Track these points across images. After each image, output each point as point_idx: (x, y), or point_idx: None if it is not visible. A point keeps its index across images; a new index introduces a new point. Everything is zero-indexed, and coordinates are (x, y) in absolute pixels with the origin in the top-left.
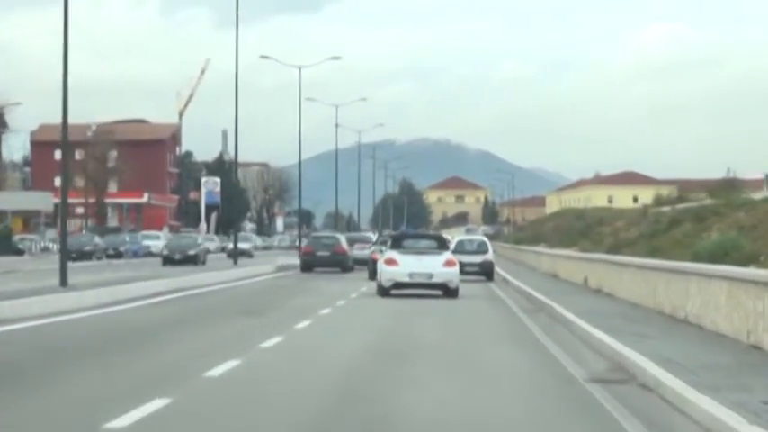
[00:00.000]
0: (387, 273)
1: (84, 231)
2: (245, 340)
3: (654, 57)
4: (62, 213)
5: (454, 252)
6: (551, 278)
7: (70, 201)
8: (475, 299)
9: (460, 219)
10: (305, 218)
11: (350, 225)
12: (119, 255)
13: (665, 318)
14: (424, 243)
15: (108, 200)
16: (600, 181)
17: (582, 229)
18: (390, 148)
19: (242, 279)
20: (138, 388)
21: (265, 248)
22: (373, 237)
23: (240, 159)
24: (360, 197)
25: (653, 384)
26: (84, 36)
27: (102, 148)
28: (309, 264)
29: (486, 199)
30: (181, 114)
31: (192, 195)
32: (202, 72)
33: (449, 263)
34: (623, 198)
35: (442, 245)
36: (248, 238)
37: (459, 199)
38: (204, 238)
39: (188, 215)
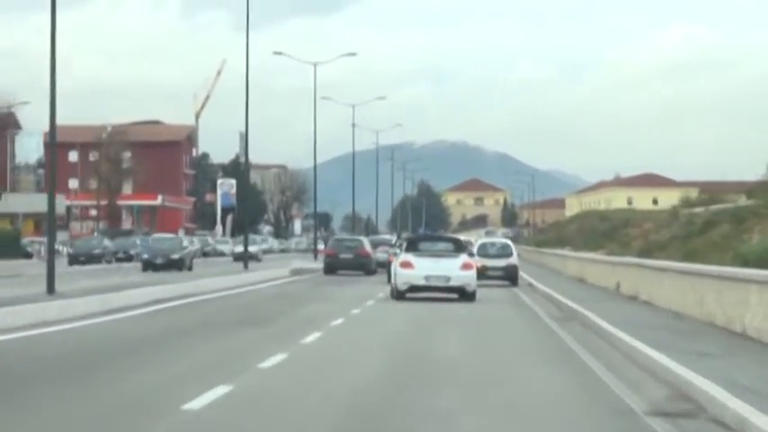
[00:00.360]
0: (402, 276)
1: (95, 234)
2: (241, 359)
3: (671, 58)
4: (49, 217)
5: (477, 255)
6: (579, 283)
7: (83, 203)
8: (500, 305)
9: (480, 221)
10: (323, 220)
11: (368, 227)
12: (129, 258)
13: (719, 331)
14: (440, 246)
15: (121, 202)
16: (620, 183)
17: (607, 232)
18: (408, 150)
19: (252, 284)
20: None
21: (282, 251)
22: (393, 239)
23: (258, 161)
24: (378, 199)
25: (731, 420)
26: (104, 39)
27: (115, 149)
28: (332, 266)
29: (505, 201)
30: (197, 116)
31: (208, 197)
32: (219, 73)
33: (466, 266)
34: (643, 200)
35: (459, 247)
36: (256, 241)
37: (479, 201)
38: (190, 241)
39: (204, 217)
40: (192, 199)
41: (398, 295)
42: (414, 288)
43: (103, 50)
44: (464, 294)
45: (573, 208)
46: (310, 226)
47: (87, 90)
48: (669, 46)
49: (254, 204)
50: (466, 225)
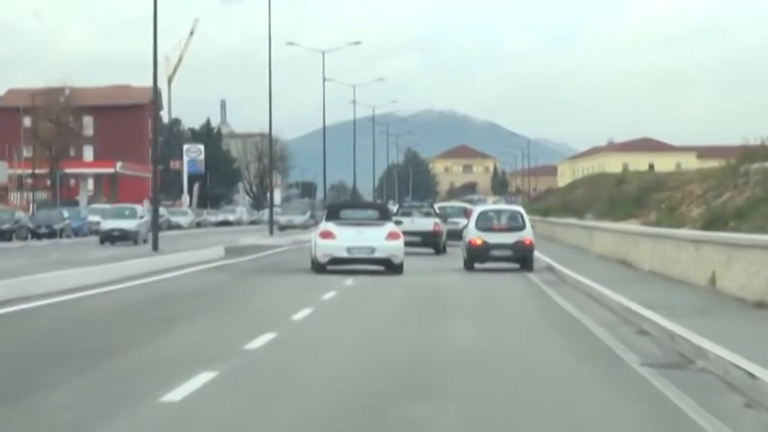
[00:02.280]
0: (322, 247)
1: (30, 206)
2: None
3: (660, 26)
4: None
5: (475, 228)
6: (624, 267)
7: (19, 171)
8: (518, 312)
9: (468, 189)
10: (308, 190)
11: (354, 196)
12: (53, 234)
13: None
14: (364, 213)
15: (70, 170)
16: (614, 148)
17: (636, 197)
18: (395, 119)
19: (145, 276)
20: None
21: (252, 223)
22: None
23: (239, 130)
24: (364, 169)
25: None
26: (91, 12)
27: (61, 111)
28: None
29: (495, 168)
30: (170, 80)
31: (173, 165)
32: (191, 33)
33: (392, 235)
34: (639, 165)
35: (384, 215)
36: (186, 213)
37: (467, 169)
38: (144, 211)
39: (174, 187)
40: (159, 167)
41: (318, 268)
42: (335, 260)
43: (92, 24)
44: (391, 267)
45: (566, 175)
46: (294, 196)
47: (81, 63)
48: (658, 14)
49: (227, 172)
50: (454, 193)
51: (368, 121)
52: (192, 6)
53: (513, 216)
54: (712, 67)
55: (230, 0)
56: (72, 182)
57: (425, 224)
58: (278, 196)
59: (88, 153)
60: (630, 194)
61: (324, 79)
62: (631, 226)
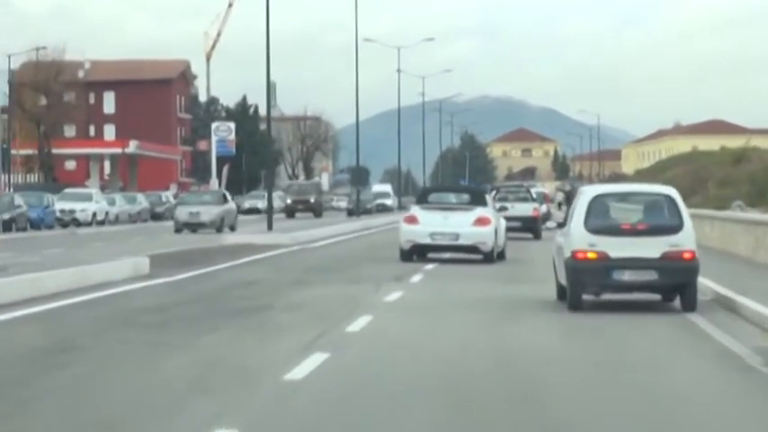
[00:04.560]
0: (405, 233)
1: (7, 191)
2: None
3: (725, 9)
4: None
5: (588, 230)
6: None
7: (22, 152)
8: None
9: (527, 174)
10: (362, 175)
11: (408, 181)
12: (6, 226)
13: None
14: (454, 198)
15: (65, 150)
16: (682, 131)
17: None
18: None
19: None
20: None
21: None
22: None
23: (290, 113)
24: (419, 154)
25: None
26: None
27: (56, 86)
28: None
29: (555, 152)
30: (208, 57)
31: (201, 145)
32: (230, 5)
33: (480, 221)
34: (710, 148)
35: (477, 199)
36: (136, 199)
37: (526, 152)
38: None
39: (204, 170)
40: (189, 148)
41: (404, 256)
42: (418, 247)
43: (148, 9)
44: (484, 255)
45: (630, 158)
46: (343, 181)
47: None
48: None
49: (265, 155)
50: (512, 178)
51: (428, 105)
52: None
53: (658, 206)
54: None
55: None
56: (73, 164)
57: (525, 209)
58: (326, 181)
59: (110, 132)
60: (760, 175)
61: (399, 71)
62: None
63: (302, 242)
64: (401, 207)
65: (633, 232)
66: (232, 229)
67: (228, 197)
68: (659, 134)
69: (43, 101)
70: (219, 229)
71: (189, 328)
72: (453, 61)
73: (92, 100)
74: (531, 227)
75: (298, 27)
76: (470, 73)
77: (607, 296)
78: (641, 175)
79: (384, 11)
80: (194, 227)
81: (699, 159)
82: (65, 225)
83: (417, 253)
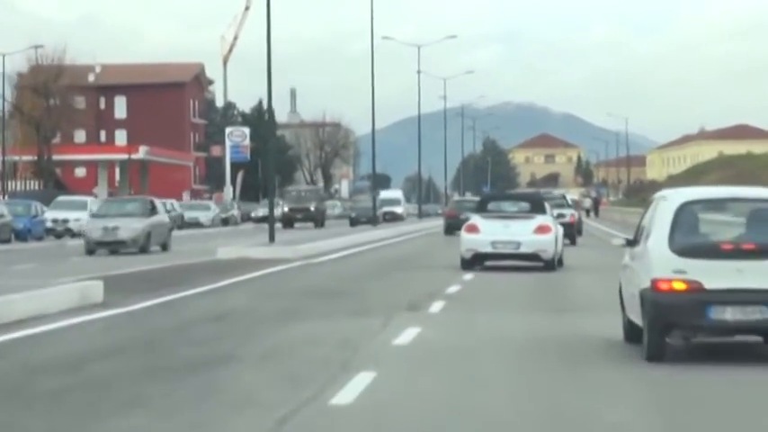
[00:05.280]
0: (466, 242)
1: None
2: None
3: (745, 16)
4: None
5: (672, 251)
6: None
7: (16, 157)
8: None
9: (551, 180)
10: (382, 182)
11: (429, 188)
12: None
13: None
14: (514, 206)
15: (65, 156)
16: (707, 136)
17: None
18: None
19: None
20: None
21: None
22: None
23: (310, 119)
24: (445, 159)
25: None
26: (176, 6)
27: (57, 88)
28: (453, 227)
29: (579, 158)
30: (225, 61)
31: (215, 151)
32: (246, 8)
33: (541, 229)
34: (737, 153)
35: (537, 207)
36: (207, 207)
37: (549, 159)
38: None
39: (219, 177)
40: (203, 155)
41: (464, 264)
42: (479, 256)
43: (177, 16)
44: (545, 263)
45: (655, 164)
46: (363, 188)
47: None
48: (744, 4)
49: (282, 161)
50: (535, 185)
51: (449, 110)
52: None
53: None
54: None
55: None
56: (83, 171)
57: (562, 216)
58: (346, 188)
59: (121, 137)
60: None
61: (419, 72)
62: None
63: (306, 256)
64: (422, 215)
65: (737, 254)
66: (164, 248)
67: (159, 206)
68: (684, 140)
69: (44, 104)
70: (144, 249)
71: (93, 404)
72: (475, 67)
73: (102, 105)
74: (567, 232)
75: (322, 34)
76: (492, 79)
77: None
78: (675, 181)
79: (406, 18)
80: (112, 246)
81: (738, 163)
82: (59, 236)
83: (478, 261)
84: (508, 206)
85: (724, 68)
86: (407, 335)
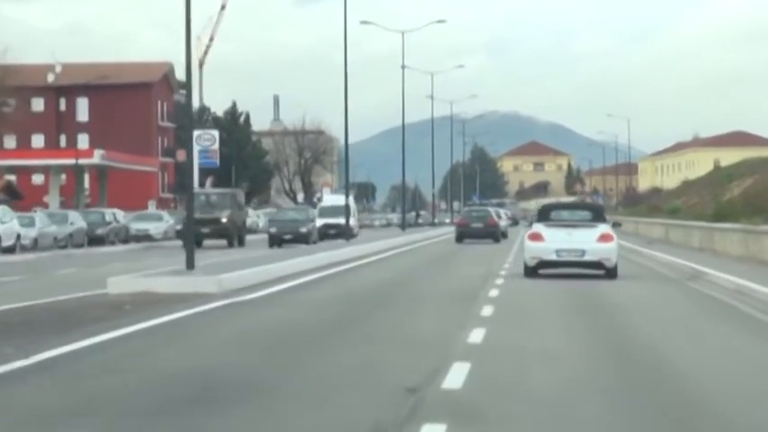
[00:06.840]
0: (531, 250)
1: None
2: None
3: (733, 24)
4: None
5: None
6: None
7: None
8: None
9: (540, 189)
10: (367, 191)
11: (415, 198)
12: None
13: None
14: (575, 214)
15: (27, 161)
16: (702, 143)
17: None
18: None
19: None
20: None
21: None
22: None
23: (292, 126)
24: (430, 168)
25: None
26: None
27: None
28: (464, 235)
29: (569, 166)
30: (201, 63)
31: (179, 155)
32: (222, 8)
33: (604, 237)
34: (734, 160)
35: (598, 216)
36: (159, 216)
37: (539, 167)
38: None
39: (183, 184)
40: (171, 160)
41: (528, 272)
42: (544, 263)
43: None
44: (606, 270)
45: (647, 172)
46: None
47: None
48: (731, 12)
49: (257, 168)
50: (525, 194)
51: (430, 123)
52: (265, 11)
53: None
54: None
55: (302, 3)
56: (42, 178)
57: None
58: (327, 196)
59: (83, 142)
60: None
61: (403, 67)
62: None
63: (233, 290)
64: (406, 225)
65: None
66: None
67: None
68: (678, 147)
69: None
70: None
71: None
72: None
73: (62, 106)
74: None
75: (307, 43)
76: (477, 89)
77: None
78: (690, 187)
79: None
80: None
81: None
82: None
83: (542, 269)
84: (570, 215)
85: (715, 77)
86: None
